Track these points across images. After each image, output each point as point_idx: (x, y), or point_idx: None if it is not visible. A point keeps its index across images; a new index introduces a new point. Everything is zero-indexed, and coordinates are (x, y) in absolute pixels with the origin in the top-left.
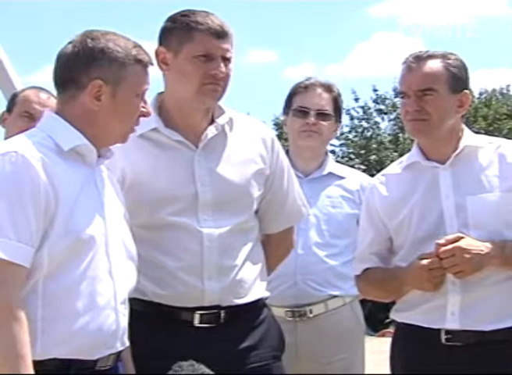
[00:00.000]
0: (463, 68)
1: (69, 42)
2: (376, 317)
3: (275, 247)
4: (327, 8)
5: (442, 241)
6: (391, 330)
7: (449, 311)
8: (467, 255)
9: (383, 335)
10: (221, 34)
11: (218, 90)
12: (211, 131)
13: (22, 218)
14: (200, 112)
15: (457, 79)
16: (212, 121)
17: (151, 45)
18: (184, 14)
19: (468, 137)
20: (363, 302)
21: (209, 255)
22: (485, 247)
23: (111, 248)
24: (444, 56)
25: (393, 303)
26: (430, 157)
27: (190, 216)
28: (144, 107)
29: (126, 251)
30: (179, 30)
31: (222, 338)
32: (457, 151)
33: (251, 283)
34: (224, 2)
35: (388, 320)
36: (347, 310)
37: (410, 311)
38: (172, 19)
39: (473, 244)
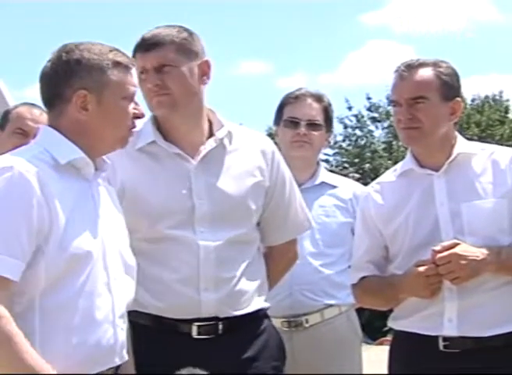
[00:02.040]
0: (454, 75)
1: (48, 61)
2: (374, 325)
3: (277, 259)
4: (319, 17)
5: (438, 248)
6: (389, 338)
7: (447, 318)
8: (463, 262)
9: (381, 343)
10: (148, 46)
11: (162, 100)
12: (209, 144)
13: (12, 233)
14: (185, 125)
15: (449, 86)
16: (212, 134)
17: None
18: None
19: (461, 144)
20: (360, 311)
21: (206, 266)
22: (480, 253)
23: (109, 262)
24: (435, 64)
25: (391, 311)
26: (424, 164)
27: (187, 229)
28: (135, 109)
29: (124, 264)
30: (133, 51)
31: (220, 350)
32: (451, 159)
33: (250, 294)
34: (216, 13)
35: (386, 328)
36: (343, 319)
37: (408, 318)
38: None
39: (469, 250)
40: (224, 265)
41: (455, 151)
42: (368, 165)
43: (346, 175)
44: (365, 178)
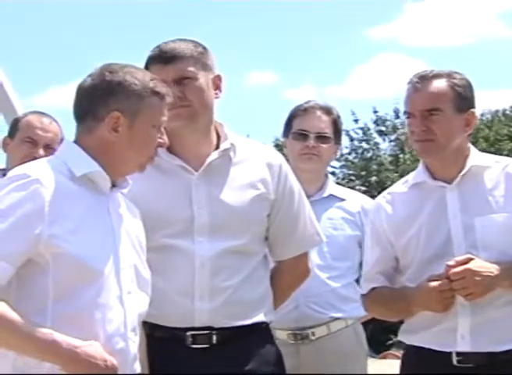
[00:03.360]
0: (468, 87)
1: (88, 75)
2: (378, 339)
3: (286, 274)
4: (327, 30)
5: (451, 263)
6: (393, 352)
7: (460, 334)
8: (478, 278)
9: (385, 357)
10: (167, 59)
11: (181, 113)
12: (212, 156)
13: (6, 235)
14: (193, 137)
15: (463, 98)
16: (218, 147)
17: None
18: (152, 49)
19: (475, 157)
20: (365, 324)
21: (201, 275)
22: (495, 269)
23: (122, 276)
24: (449, 75)
25: (395, 325)
26: (437, 176)
27: (186, 238)
28: (160, 138)
29: (138, 278)
30: (147, 63)
31: (215, 360)
32: (464, 171)
33: (248, 306)
34: (225, 24)
35: (390, 342)
36: (350, 332)
37: (420, 333)
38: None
39: (483, 266)
40: (220, 274)
41: (468, 164)
42: (374, 178)
43: (352, 187)
44: (371, 191)
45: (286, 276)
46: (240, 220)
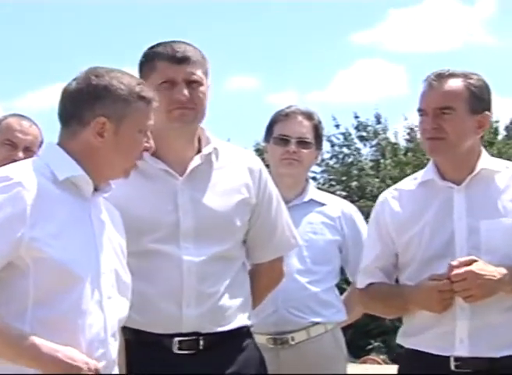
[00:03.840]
0: (485, 88)
1: (74, 79)
2: (357, 344)
3: (263, 277)
4: (310, 34)
5: (455, 263)
6: (373, 357)
7: (458, 338)
8: (479, 280)
9: (365, 362)
10: (181, 59)
11: (187, 113)
12: (195, 161)
13: None
14: (181, 140)
15: (478, 99)
16: (200, 151)
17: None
18: (150, 46)
19: (486, 160)
20: (344, 329)
21: (188, 282)
22: (497, 272)
23: (102, 281)
24: (466, 75)
25: (375, 330)
26: (446, 176)
27: (171, 244)
28: (147, 142)
29: (118, 282)
30: (144, 62)
31: (201, 365)
32: (474, 173)
33: (233, 311)
34: (206, 28)
35: (370, 347)
36: (329, 337)
37: (418, 336)
38: (142, 54)
39: (486, 268)
40: (207, 280)
41: (478, 166)
42: (355, 183)
43: (332, 192)
44: (352, 196)
45: (264, 278)
46: (225, 225)
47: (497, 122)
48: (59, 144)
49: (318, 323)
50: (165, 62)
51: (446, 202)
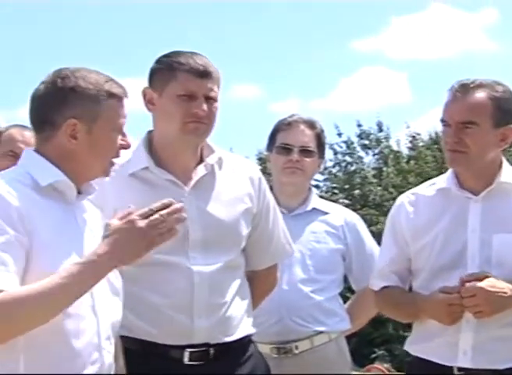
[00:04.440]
0: (510, 100)
1: (41, 82)
2: (361, 352)
3: (259, 283)
4: (312, 42)
5: (466, 277)
6: (377, 365)
7: (462, 349)
8: (489, 297)
9: (369, 370)
10: (203, 74)
11: (200, 128)
12: (200, 171)
13: (5, 249)
14: (188, 151)
15: (503, 112)
16: (201, 160)
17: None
18: (169, 55)
19: (506, 173)
20: (348, 337)
21: (199, 293)
22: (509, 289)
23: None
24: (492, 87)
25: (379, 338)
26: (464, 186)
27: (180, 255)
28: (122, 140)
29: (110, 286)
30: (162, 70)
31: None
32: (492, 186)
33: (239, 320)
34: (209, 37)
35: (374, 355)
36: (333, 346)
37: (423, 344)
38: (157, 61)
39: (497, 285)
40: (216, 291)
41: (498, 179)
42: (357, 191)
43: (335, 201)
44: (355, 204)
45: (261, 285)
46: (231, 235)
47: None
48: (36, 150)
49: (321, 332)
50: (187, 74)
51: (462, 212)
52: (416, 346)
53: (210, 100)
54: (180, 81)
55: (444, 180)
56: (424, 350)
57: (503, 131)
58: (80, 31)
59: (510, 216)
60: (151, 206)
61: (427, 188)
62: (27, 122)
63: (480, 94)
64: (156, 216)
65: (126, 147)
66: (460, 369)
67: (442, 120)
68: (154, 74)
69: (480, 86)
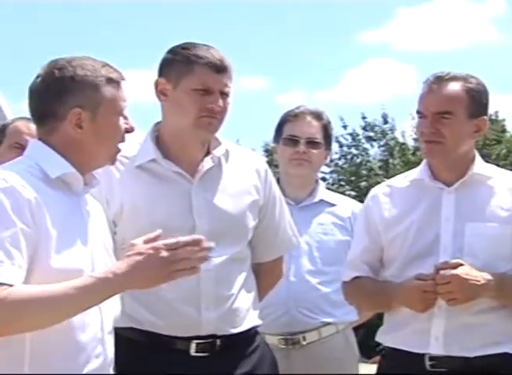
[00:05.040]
0: (484, 93)
1: (37, 76)
2: (369, 344)
3: (265, 275)
4: (318, 35)
5: (441, 264)
6: None
7: (433, 336)
8: (463, 285)
9: (375, 362)
10: (220, 68)
11: (214, 123)
12: (207, 163)
13: (12, 242)
14: (197, 144)
15: (477, 104)
16: (208, 152)
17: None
18: (185, 47)
19: (478, 165)
20: (356, 329)
21: (206, 285)
22: (482, 277)
23: None
24: (466, 79)
25: None
26: (437, 177)
27: None
28: (126, 123)
29: None
30: (179, 62)
31: (217, 367)
32: (465, 177)
33: (246, 311)
34: (215, 29)
35: (381, 347)
36: (340, 337)
37: (395, 333)
38: (173, 52)
39: (471, 273)
40: (223, 283)
41: (471, 171)
42: (364, 183)
43: (342, 193)
44: (361, 196)
45: (267, 277)
46: (238, 227)
47: (504, 120)
48: (41, 140)
49: (329, 324)
50: (205, 68)
51: (435, 203)
52: (387, 336)
53: (224, 95)
54: (198, 75)
55: (417, 172)
56: (395, 340)
57: (477, 122)
58: (86, 29)
59: (483, 206)
60: (180, 239)
61: (401, 180)
62: None
63: (455, 86)
64: (182, 250)
65: (130, 130)
66: (431, 358)
67: (418, 112)
68: (168, 65)
69: (454, 78)
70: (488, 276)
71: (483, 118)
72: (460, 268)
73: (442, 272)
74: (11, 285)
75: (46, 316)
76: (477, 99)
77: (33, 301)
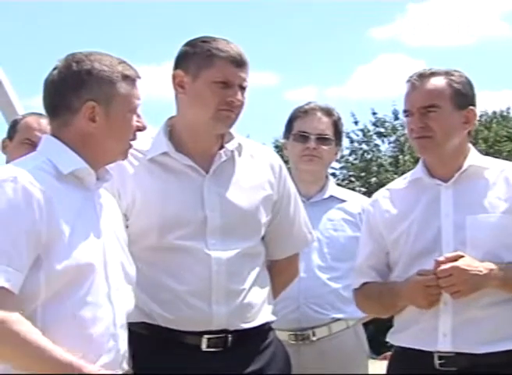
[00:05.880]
0: (467, 84)
1: (54, 68)
2: (379, 340)
3: (279, 273)
4: (330, 30)
5: (441, 259)
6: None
7: (441, 332)
8: (465, 276)
9: (385, 358)
10: (240, 63)
11: (232, 117)
12: (220, 156)
13: (13, 244)
14: (213, 137)
15: (462, 95)
16: (222, 146)
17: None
18: (205, 40)
19: (474, 157)
20: (365, 325)
21: (217, 279)
22: (484, 268)
23: (110, 273)
24: (447, 73)
25: None
26: (434, 174)
27: (199, 240)
28: (138, 121)
29: (124, 274)
30: (199, 55)
31: (229, 362)
32: (461, 170)
33: (258, 307)
34: (225, 25)
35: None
36: (350, 333)
37: (404, 332)
38: (192, 45)
39: (472, 264)
40: (235, 277)
41: (466, 164)
42: (374, 179)
43: (352, 189)
44: (371, 192)
45: (282, 275)
46: (250, 222)
47: (495, 113)
48: (54, 135)
49: (339, 319)
50: (225, 62)
51: (434, 199)
52: (397, 335)
53: (242, 90)
54: (218, 68)
55: (415, 172)
56: (404, 339)
57: (465, 113)
58: (94, 25)
59: (482, 198)
60: None
61: (399, 182)
62: (42, 110)
63: (437, 80)
64: None
65: (142, 129)
66: (440, 357)
67: (405, 111)
68: (187, 58)
69: (436, 73)
70: (491, 266)
71: (471, 108)
72: (461, 260)
73: (443, 265)
74: (2, 288)
75: (20, 359)
76: (461, 90)
77: (17, 341)
